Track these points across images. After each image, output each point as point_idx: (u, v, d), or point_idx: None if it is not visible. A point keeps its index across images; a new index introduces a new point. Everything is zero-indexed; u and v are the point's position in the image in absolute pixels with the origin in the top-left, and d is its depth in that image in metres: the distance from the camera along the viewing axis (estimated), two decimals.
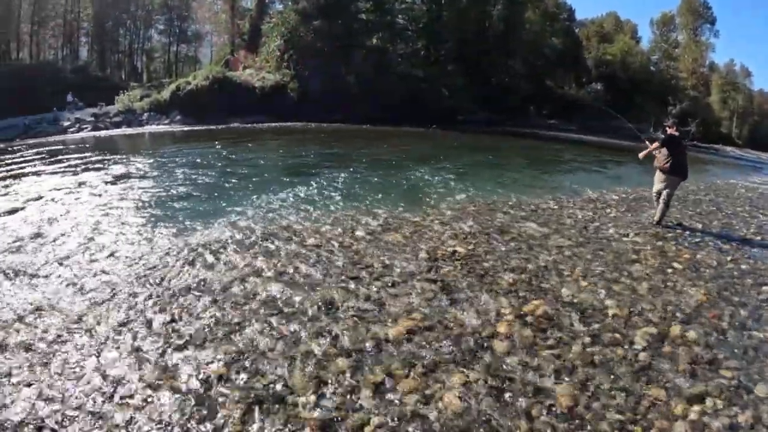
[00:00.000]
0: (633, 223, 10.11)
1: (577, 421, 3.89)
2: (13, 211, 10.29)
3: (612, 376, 4.47)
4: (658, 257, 7.90)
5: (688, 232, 9.55)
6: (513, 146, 27.42)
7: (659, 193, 9.89)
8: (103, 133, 31.74)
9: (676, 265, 7.56)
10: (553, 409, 4.02)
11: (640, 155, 10.09)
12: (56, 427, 3.76)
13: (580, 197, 12.93)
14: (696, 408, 4.10)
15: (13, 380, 4.31)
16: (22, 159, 19.24)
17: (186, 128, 32.77)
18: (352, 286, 6.35)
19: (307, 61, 40.15)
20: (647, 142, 10.16)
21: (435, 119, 35.14)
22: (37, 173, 15.65)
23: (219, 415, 3.90)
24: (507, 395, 4.18)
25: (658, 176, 9.80)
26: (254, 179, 13.91)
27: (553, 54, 56.63)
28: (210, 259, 7.25)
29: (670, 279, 6.97)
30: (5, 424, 3.77)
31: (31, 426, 3.77)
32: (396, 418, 3.88)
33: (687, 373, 4.57)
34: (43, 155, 20.27)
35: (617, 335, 5.20)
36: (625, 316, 5.66)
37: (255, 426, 3.79)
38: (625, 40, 68.82)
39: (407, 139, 27.51)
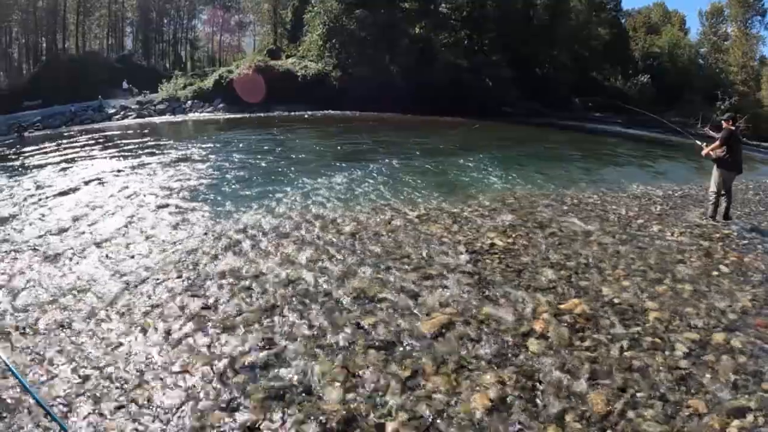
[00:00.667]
0: (679, 221, 9.76)
1: (610, 430, 3.75)
2: (56, 195, 10.63)
3: (650, 384, 4.28)
4: (703, 258, 7.57)
5: (735, 233, 9.13)
6: (557, 138, 26.86)
7: (717, 191, 9.81)
8: (147, 120, 32.45)
9: (722, 267, 7.21)
10: (587, 415, 3.88)
11: (703, 153, 9.96)
12: (85, 406, 3.84)
13: (625, 192, 12.57)
14: (736, 423, 3.87)
15: (46, 359, 4.43)
16: (68, 145, 19.81)
17: (229, 116, 33.28)
18: (386, 276, 6.32)
19: (350, 49, 40.13)
20: (701, 143, 10.13)
21: (479, 109, 34.79)
22: (81, 158, 16.10)
23: (243, 402, 3.92)
24: (539, 398, 4.07)
25: (716, 172, 9.74)
26: (294, 167, 14.02)
27: (599, 45, 55.45)
28: (245, 245, 7.35)
29: (716, 282, 6.65)
30: (37, 402, 3.85)
31: (61, 405, 3.86)
32: (422, 416, 3.82)
33: (729, 385, 4.33)
34: (89, 141, 20.86)
35: (658, 340, 4.98)
36: (666, 320, 5.42)
37: (278, 415, 3.79)
38: (673, 31, 66.87)
39: (450, 129, 27.25)
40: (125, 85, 41.22)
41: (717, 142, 9.52)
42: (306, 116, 31.97)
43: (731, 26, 72.48)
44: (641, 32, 66.52)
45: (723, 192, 9.84)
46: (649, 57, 59.84)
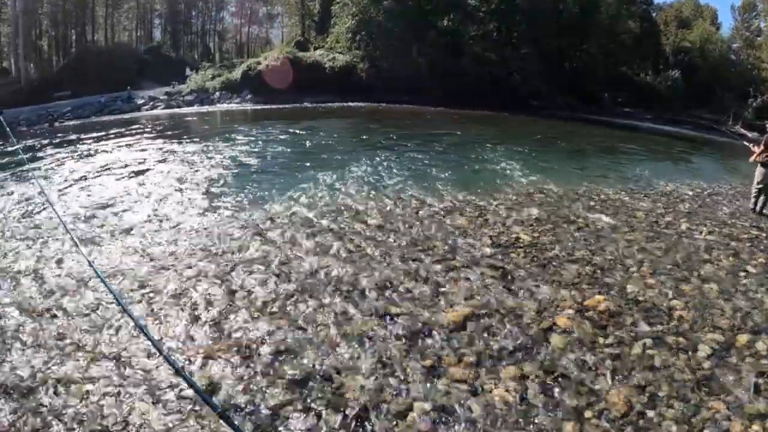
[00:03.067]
0: (707, 220, 9.61)
1: (630, 429, 3.74)
2: (87, 183, 10.81)
3: (671, 384, 4.26)
4: (731, 258, 7.45)
5: (764, 234, 8.96)
6: (586, 133, 26.44)
7: (759, 189, 10.35)
8: (176, 110, 32.80)
9: (749, 268, 7.08)
10: (606, 412, 3.88)
11: (751, 159, 10.51)
12: (111, 388, 3.95)
13: (653, 190, 12.39)
14: (756, 427, 3.83)
15: (72, 343, 4.55)
16: (97, 134, 20.16)
17: (256, 107, 33.52)
18: (411, 267, 6.38)
19: (377, 42, 40.05)
20: (751, 145, 10.83)
21: (506, 103, 34.49)
22: (109, 147, 16.38)
23: (266, 386, 4.01)
24: (559, 394, 4.08)
25: (760, 170, 10.20)
26: (322, 158, 14.15)
27: (629, 38, 54.43)
28: (272, 234, 7.46)
29: (742, 283, 6.54)
30: (61, 384, 3.99)
31: (86, 385, 3.98)
32: (441, 408, 3.86)
33: (751, 388, 4.27)
34: (117, 130, 21.18)
35: (681, 339, 4.94)
36: (690, 320, 5.37)
37: (299, 402, 3.86)
38: (704, 26, 65.21)
39: (478, 123, 26.99)
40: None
41: (762, 147, 10.06)
42: (333, 108, 31.98)
43: (764, 22, 70.54)
44: (672, 26, 65.08)
45: (764, 188, 10.29)
46: (680, 52, 58.45)
